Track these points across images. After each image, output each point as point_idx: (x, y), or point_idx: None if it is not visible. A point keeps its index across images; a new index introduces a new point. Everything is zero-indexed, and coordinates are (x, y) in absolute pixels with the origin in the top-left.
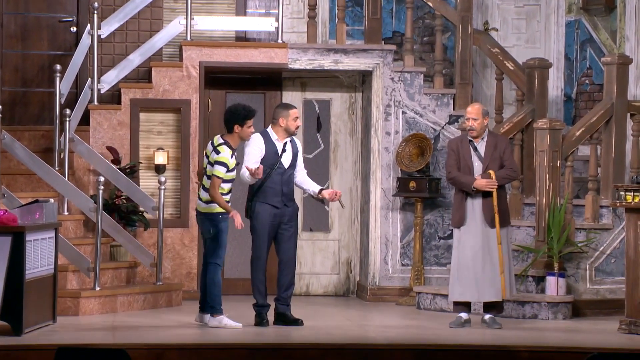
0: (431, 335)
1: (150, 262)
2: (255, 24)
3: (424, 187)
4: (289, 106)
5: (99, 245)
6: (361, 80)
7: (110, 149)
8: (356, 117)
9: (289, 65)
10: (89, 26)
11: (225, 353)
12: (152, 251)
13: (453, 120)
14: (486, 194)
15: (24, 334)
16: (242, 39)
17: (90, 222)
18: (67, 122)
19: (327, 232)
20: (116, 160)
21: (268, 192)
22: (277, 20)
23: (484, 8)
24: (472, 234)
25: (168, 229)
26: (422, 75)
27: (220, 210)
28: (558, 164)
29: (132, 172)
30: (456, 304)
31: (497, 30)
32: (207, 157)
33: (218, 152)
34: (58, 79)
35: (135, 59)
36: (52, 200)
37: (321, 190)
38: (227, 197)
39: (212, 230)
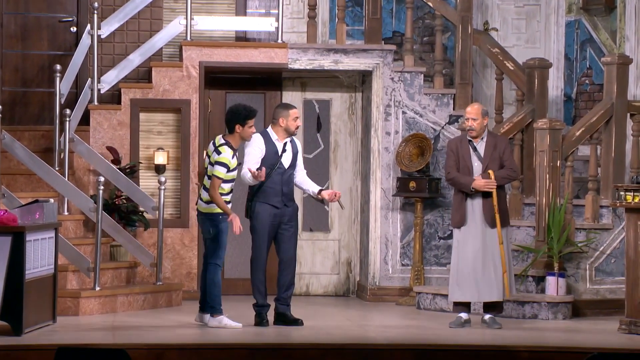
0: (431, 335)
1: (150, 262)
2: (255, 24)
3: (424, 187)
4: (288, 106)
5: (99, 245)
6: (361, 80)
7: (110, 149)
8: (356, 117)
9: (289, 65)
10: (89, 26)
11: (225, 353)
12: (152, 251)
13: (453, 120)
14: (486, 194)
15: (24, 334)
16: (242, 39)
17: (90, 222)
18: (67, 122)
19: (327, 232)
20: (116, 160)
21: (268, 192)
22: (277, 20)
23: (484, 8)
24: (472, 235)
25: (168, 229)
26: (422, 75)
27: (220, 210)
28: (558, 164)
29: (132, 172)
30: (456, 304)
31: (497, 30)
32: (209, 157)
33: (219, 153)
34: (58, 79)
35: (135, 59)
36: (52, 200)
37: (321, 190)
38: (228, 197)
39: (212, 230)
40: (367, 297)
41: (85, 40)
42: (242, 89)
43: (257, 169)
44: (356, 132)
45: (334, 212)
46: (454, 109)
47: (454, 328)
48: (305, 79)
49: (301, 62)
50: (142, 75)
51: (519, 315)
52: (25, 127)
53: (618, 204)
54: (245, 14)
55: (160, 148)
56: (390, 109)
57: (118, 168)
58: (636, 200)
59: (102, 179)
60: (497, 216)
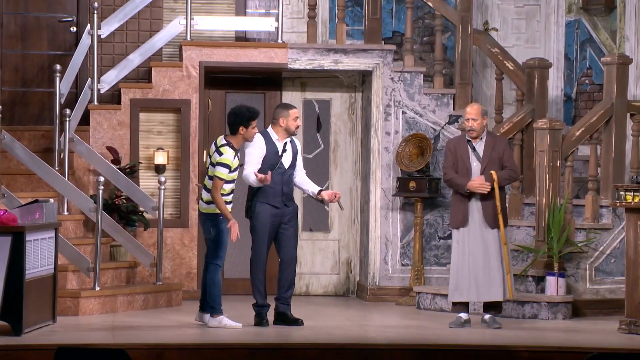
0: (431, 335)
1: (150, 262)
2: (255, 24)
3: (424, 187)
4: (288, 106)
5: (98, 245)
6: (361, 80)
7: (110, 149)
8: (356, 117)
9: (289, 65)
10: (88, 26)
11: (225, 353)
12: (152, 251)
13: (453, 120)
14: (485, 195)
15: (23, 334)
16: (242, 39)
17: (90, 222)
18: (67, 122)
19: (327, 232)
20: (116, 160)
21: (268, 192)
22: (277, 20)
23: (484, 8)
24: (471, 235)
25: (168, 229)
26: (422, 75)
27: None
28: (558, 164)
29: (132, 172)
30: (454, 304)
31: (497, 30)
32: (210, 157)
33: (220, 154)
34: (58, 79)
35: (135, 59)
36: (52, 200)
37: (320, 191)
38: (229, 198)
39: (212, 230)
40: (367, 297)
41: (85, 40)
42: (242, 89)
43: (261, 172)
44: (356, 132)
45: (334, 212)
46: (453, 109)
47: (453, 328)
48: (305, 79)
49: (301, 62)
50: (142, 75)
51: (519, 315)
52: (25, 127)
53: (618, 204)
54: (245, 14)
55: (160, 148)
56: (390, 109)
57: (118, 168)
58: (636, 200)
59: (102, 179)
60: (500, 217)
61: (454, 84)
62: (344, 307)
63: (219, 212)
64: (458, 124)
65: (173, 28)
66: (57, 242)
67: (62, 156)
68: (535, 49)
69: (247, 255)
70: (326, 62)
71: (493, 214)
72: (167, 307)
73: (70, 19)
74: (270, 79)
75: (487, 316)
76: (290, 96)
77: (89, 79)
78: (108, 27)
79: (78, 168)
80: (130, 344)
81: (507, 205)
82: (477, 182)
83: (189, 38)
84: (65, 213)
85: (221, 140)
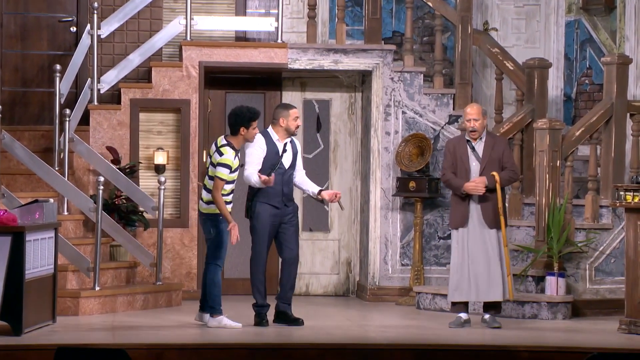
0: (431, 335)
1: (150, 262)
2: (255, 24)
3: (424, 187)
4: (288, 106)
5: (98, 245)
6: (361, 80)
7: (110, 149)
8: (356, 117)
9: (289, 65)
10: (88, 26)
11: (225, 353)
12: (151, 251)
13: (453, 120)
14: (485, 196)
15: (23, 334)
16: (242, 39)
17: (90, 222)
18: (67, 122)
19: (327, 232)
20: (116, 160)
21: (269, 192)
22: (277, 20)
23: (483, 8)
24: (471, 235)
25: (168, 229)
26: (422, 75)
27: None
28: (558, 164)
29: (131, 172)
30: (454, 304)
31: (497, 30)
32: (210, 157)
33: (221, 154)
34: (58, 79)
35: (135, 59)
36: (51, 200)
37: (320, 191)
38: (229, 198)
39: (212, 230)
40: (366, 297)
41: (85, 40)
42: (242, 89)
43: (266, 174)
44: (356, 132)
45: (334, 212)
46: (453, 109)
47: (453, 328)
48: (305, 79)
49: (301, 62)
50: (142, 75)
51: (519, 315)
52: (25, 127)
53: (618, 204)
54: (245, 14)
55: (160, 148)
56: (390, 109)
57: (118, 168)
58: (636, 200)
59: (101, 178)
60: (502, 218)
61: (453, 84)
62: (344, 307)
63: (219, 212)
64: (458, 124)
65: (173, 28)
66: (57, 242)
67: (62, 156)
68: (535, 49)
69: (247, 255)
70: (326, 62)
71: (492, 214)
72: (167, 307)
73: (70, 19)
74: (270, 79)
75: (487, 316)
76: (290, 96)
77: (89, 79)
78: (108, 27)
79: (78, 168)
80: (130, 344)
81: (506, 205)
82: (472, 184)
83: (188, 38)
84: (65, 213)
85: (222, 140)
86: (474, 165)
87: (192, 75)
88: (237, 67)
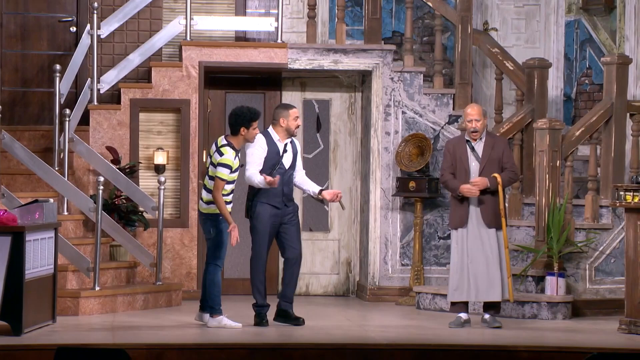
0: (431, 335)
1: (150, 262)
2: (255, 24)
3: (424, 187)
4: (288, 106)
5: (98, 245)
6: (361, 80)
7: (110, 149)
8: (356, 117)
9: (289, 65)
10: (88, 26)
11: (225, 353)
12: (151, 251)
13: (453, 120)
14: (484, 196)
15: (23, 334)
16: (242, 39)
17: (90, 222)
18: (67, 122)
19: (327, 232)
20: (116, 160)
21: (269, 192)
22: (277, 20)
23: (483, 8)
24: (470, 235)
25: (168, 229)
26: (422, 75)
27: None
28: (558, 164)
29: (131, 172)
30: (454, 304)
31: (496, 30)
32: (210, 157)
33: (221, 154)
34: (58, 79)
35: (135, 59)
36: (51, 200)
37: (321, 190)
38: (229, 198)
39: (212, 230)
40: (366, 297)
41: (84, 40)
42: (242, 89)
43: (270, 175)
44: (356, 132)
45: (334, 212)
46: (453, 109)
47: (453, 328)
48: (305, 79)
49: (301, 62)
50: (142, 75)
51: (519, 315)
52: (25, 127)
53: (618, 204)
54: (245, 14)
55: (160, 148)
56: (390, 109)
57: (118, 168)
58: (636, 200)
59: (101, 178)
60: (504, 220)
61: (453, 84)
62: (343, 307)
63: (219, 212)
64: (458, 124)
65: (173, 28)
66: (57, 242)
67: (61, 156)
68: (535, 49)
69: (247, 255)
70: (326, 62)
71: (492, 215)
72: (167, 307)
73: (70, 19)
74: (270, 79)
75: (487, 316)
76: (290, 96)
77: (89, 79)
78: (108, 27)
79: (78, 168)
80: (130, 344)
81: (506, 205)
82: (467, 187)
83: (188, 38)
84: (65, 213)
85: (222, 140)
86: (474, 166)
87: (192, 75)
88: (237, 67)
